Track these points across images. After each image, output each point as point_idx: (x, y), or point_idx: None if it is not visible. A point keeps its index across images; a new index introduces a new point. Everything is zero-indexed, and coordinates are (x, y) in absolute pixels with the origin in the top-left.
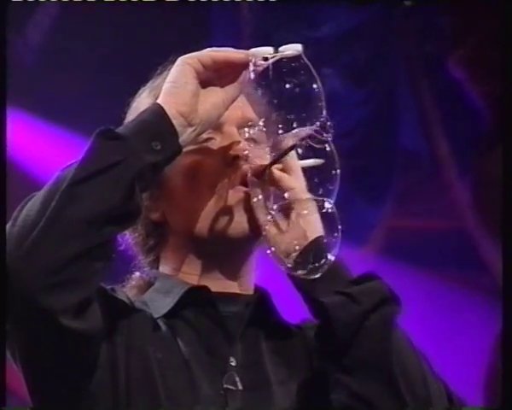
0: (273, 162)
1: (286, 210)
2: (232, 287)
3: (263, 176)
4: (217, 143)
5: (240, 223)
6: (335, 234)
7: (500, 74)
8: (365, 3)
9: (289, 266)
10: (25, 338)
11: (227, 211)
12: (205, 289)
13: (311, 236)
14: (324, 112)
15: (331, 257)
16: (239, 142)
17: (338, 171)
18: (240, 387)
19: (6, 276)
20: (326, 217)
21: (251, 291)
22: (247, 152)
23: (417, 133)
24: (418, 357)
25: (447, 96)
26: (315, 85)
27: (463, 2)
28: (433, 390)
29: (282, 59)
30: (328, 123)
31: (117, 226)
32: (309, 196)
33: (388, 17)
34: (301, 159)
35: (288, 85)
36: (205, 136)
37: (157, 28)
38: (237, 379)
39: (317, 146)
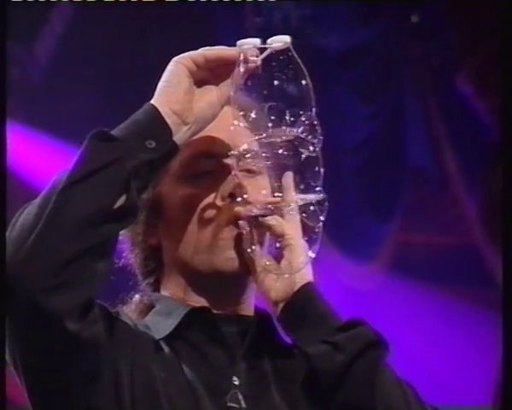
0: (270, 214)
1: (278, 256)
2: (232, 309)
3: (257, 220)
4: (215, 176)
5: (231, 260)
6: (316, 230)
7: (502, 88)
8: (372, 19)
9: (276, 313)
10: (28, 345)
11: (219, 247)
12: (206, 309)
13: (299, 284)
14: (314, 109)
15: (311, 254)
16: (236, 178)
17: (322, 169)
18: (243, 405)
19: (6, 281)
20: (309, 215)
21: (251, 313)
22: (245, 192)
23: (425, 148)
24: (404, 392)
25: (455, 111)
26: (303, 80)
27: (470, 17)
28: None
29: (271, 52)
30: (315, 122)
31: (114, 225)
32: (302, 242)
33: (395, 33)
34: (285, 159)
35: (276, 79)
36: (203, 168)
37: (163, 46)
38: (240, 397)
39: (303, 149)
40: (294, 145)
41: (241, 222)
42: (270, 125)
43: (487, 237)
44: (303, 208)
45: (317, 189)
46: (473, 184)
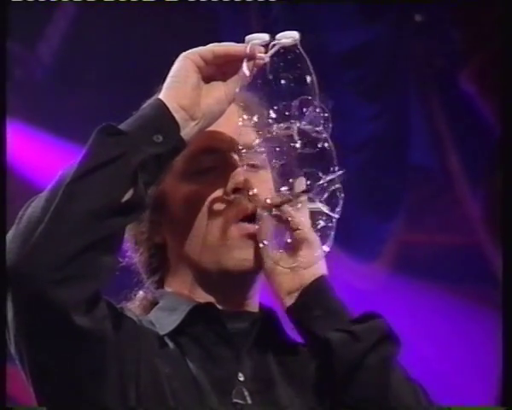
0: (285, 202)
1: (291, 249)
2: (238, 306)
3: (271, 211)
4: (218, 172)
5: (239, 260)
6: (330, 225)
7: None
8: (375, 19)
9: (288, 304)
10: (34, 340)
11: (226, 246)
12: (211, 306)
13: (314, 276)
14: (319, 107)
15: (326, 248)
16: (240, 173)
17: (336, 168)
18: (249, 401)
19: (10, 277)
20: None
21: (256, 309)
22: (251, 187)
23: (429, 148)
24: (415, 391)
25: (458, 110)
26: (309, 77)
27: (474, 16)
28: None
29: (279, 49)
30: (325, 114)
31: (121, 219)
32: (314, 235)
33: (399, 32)
34: (291, 153)
35: (284, 77)
36: (207, 164)
37: (165, 46)
38: (246, 393)
39: (318, 144)
40: (301, 139)
41: (258, 211)
42: (275, 121)
43: (491, 237)
44: (320, 196)
45: (330, 177)
46: (476, 184)
